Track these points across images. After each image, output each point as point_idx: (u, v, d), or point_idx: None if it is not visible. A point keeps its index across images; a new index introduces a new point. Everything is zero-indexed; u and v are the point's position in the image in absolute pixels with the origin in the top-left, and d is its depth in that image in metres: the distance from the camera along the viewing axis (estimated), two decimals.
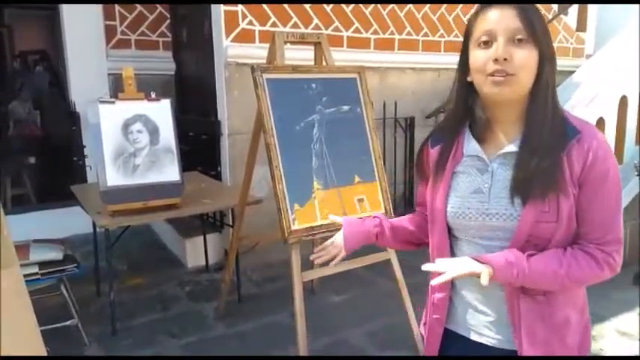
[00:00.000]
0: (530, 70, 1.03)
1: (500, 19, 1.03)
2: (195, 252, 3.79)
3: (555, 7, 5.34)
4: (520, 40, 1.02)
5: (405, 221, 1.37)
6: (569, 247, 1.07)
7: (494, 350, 1.15)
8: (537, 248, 1.06)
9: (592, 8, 5.55)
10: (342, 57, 3.54)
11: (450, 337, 1.22)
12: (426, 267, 1.08)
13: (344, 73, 2.57)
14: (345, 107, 2.51)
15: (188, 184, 2.92)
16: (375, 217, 1.36)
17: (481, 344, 1.17)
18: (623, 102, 3.81)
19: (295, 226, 2.24)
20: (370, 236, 1.32)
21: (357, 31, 4.18)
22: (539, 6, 1.10)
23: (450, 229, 1.18)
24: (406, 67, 4.48)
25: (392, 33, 4.37)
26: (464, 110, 1.14)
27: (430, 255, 1.23)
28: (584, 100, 3.56)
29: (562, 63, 5.40)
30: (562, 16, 5.37)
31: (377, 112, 4.03)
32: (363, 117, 2.55)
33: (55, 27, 4.57)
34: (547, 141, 1.03)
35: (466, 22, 1.13)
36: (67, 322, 2.63)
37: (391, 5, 4.32)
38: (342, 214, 2.36)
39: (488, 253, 1.08)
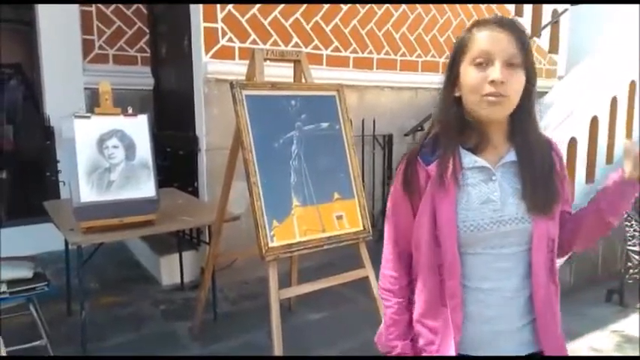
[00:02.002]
0: (519, 92, 1.11)
1: (497, 42, 1.08)
2: (171, 270, 3.72)
3: (528, 29, 5.50)
4: (512, 64, 1.08)
5: (406, 308, 1.27)
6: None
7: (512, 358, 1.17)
8: (552, 250, 1.16)
9: (564, 30, 5.72)
10: (321, 75, 3.56)
11: None
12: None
13: (323, 91, 2.58)
14: (324, 124, 2.52)
15: (164, 201, 2.88)
16: (396, 337, 1.25)
17: (492, 357, 1.16)
18: (595, 122, 3.91)
19: (274, 243, 2.22)
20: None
21: (336, 49, 4.23)
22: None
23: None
24: (384, 85, 4.54)
25: (370, 52, 4.43)
26: (456, 125, 1.16)
27: (435, 275, 1.17)
28: (556, 120, 3.64)
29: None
30: (535, 38, 5.52)
31: (355, 129, 4.05)
32: (342, 134, 2.56)
33: (32, 40, 4.51)
34: (540, 152, 1.16)
35: (458, 38, 1.15)
36: (36, 343, 2.54)
37: (370, 25, 4.38)
38: (320, 230, 2.36)
39: (499, 261, 1.14)
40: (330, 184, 2.45)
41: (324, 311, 3.26)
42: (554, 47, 5.75)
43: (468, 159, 1.15)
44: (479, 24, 1.12)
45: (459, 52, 1.13)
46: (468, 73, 1.10)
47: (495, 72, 1.07)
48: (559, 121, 3.67)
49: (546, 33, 5.65)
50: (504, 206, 1.13)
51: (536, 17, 5.53)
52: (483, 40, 1.09)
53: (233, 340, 2.94)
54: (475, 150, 1.16)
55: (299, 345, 2.75)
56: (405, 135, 4.70)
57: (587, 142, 3.89)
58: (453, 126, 1.16)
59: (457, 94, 1.14)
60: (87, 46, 4.48)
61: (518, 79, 1.09)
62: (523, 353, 1.17)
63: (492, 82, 1.07)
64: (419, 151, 1.20)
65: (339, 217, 2.43)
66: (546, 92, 4.28)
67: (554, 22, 5.56)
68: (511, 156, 1.16)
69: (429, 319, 1.19)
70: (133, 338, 2.96)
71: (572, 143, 3.77)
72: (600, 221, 1.17)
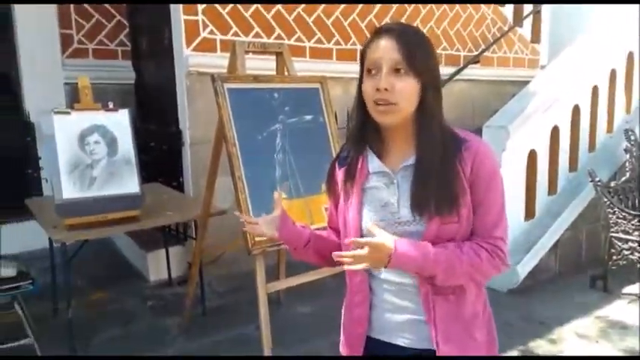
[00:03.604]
0: (409, 99, 1.12)
1: (384, 50, 1.12)
2: (158, 265, 3.71)
3: (510, 19, 5.53)
4: (398, 70, 1.11)
5: (331, 236, 1.40)
6: (466, 242, 1.16)
7: (409, 350, 1.21)
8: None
9: (545, 21, 5.77)
10: (304, 67, 3.55)
11: (369, 344, 1.27)
12: (336, 254, 1.12)
13: (306, 83, 2.58)
14: (308, 117, 2.51)
15: (149, 196, 2.86)
16: (306, 226, 1.41)
17: (397, 346, 1.23)
18: (576, 111, 3.96)
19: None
20: (299, 241, 1.35)
21: (319, 41, 4.21)
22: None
23: None
24: None
25: (354, 43, 4.42)
26: (364, 131, 1.22)
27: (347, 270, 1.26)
28: (539, 109, 3.67)
29: (518, 73, 5.61)
30: (517, 28, 5.56)
31: (341, 121, 4.04)
32: (326, 126, 2.56)
33: (8, 35, 4.41)
34: (439, 155, 1.13)
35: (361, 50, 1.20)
36: (23, 341, 2.52)
37: (352, 16, 4.37)
38: (309, 223, 2.35)
39: None
40: (318, 176, 2.43)
41: (313, 304, 3.27)
42: (536, 37, 5.80)
43: (375, 163, 1.22)
44: (373, 34, 1.16)
45: (360, 63, 1.20)
46: (364, 83, 1.16)
47: (380, 80, 1.11)
48: (542, 110, 3.70)
49: (528, 23, 5.69)
50: (400, 209, 1.17)
51: (519, 7, 5.57)
52: (374, 48, 1.14)
53: (222, 333, 2.94)
54: (381, 154, 1.21)
55: (288, 338, 2.76)
56: None
57: (569, 130, 3.94)
58: (358, 132, 1.23)
59: None
60: (66, 41, 4.41)
61: (405, 86, 1.11)
62: (421, 347, 1.20)
63: (378, 89, 1.11)
64: (338, 155, 1.31)
65: (328, 209, 2.43)
66: (529, 81, 4.31)
67: (536, 12, 5.60)
68: (411, 160, 1.17)
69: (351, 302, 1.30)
70: (122, 335, 2.94)
71: (555, 131, 3.82)
72: None
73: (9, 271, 2.47)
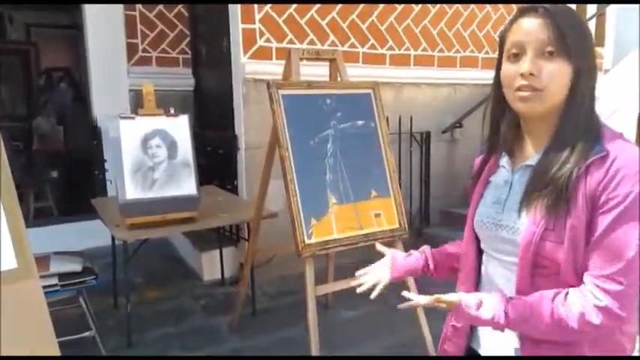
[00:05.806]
0: (559, 85, 0.98)
1: (529, 30, 0.99)
2: (212, 265, 3.82)
3: None
4: (550, 53, 0.97)
5: (450, 248, 1.35)
6: (564, 290, 0.98)
7: None
8: (547, 272, 1.00)
9: (610, 23, 5.52)
10: (357, 73, 3.58)
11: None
12: (405, 293, 1.13)
13: (358, 89, 2.60)
14: (360, 122, 2.53)
15: (205, 198, 2.96)
16: (420, 250, 1.37)
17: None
18: None
19: (311, 240, 2.25)
20: (416, 269, 1.34)
21: (372, 47, 4.23)
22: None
23: (477, 240, 1.19)
24: (422, 82, 4.50)
25: (407, 49, 4.40)
26: (498, 124, 1.13)
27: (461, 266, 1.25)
28: (602, 115, 3.52)
29: None
30: None
31: (392, 126, 4.04)
32: (378, 132, 2.57)
33: (79, 45, 4.71)
34: (566, 157, 0.98)
35: (500, 34, 1.10)
36: (85, 334, 2.66)
37: (407, 22, 4.35)
38: (358, 228, 2.38)
39: (502, 267, 1.10)
40: (368, 182, 2.46)
41: (360, 309, 3.27)
42: (599, 40, 5.55)
43: (504, 157, 1.15)
44: (516, 14, 1.04)
45: (500, 47, 1.08)
46: (504, 69, 1.04)
47: (524, 63, 0.98)
48: (605, 116, 3.55)
49: (591, 25, 5.46)
50: (505, 210, 1.07)
51: (581, 8, 5.36)
52: (517, 30, 1.01)
53: (271, 334, 2.99)
54: (510, 149, 1.13)
55: (335, 341, 2.78)
56: (443, 132, 4.65)
57: (635, 139, 3.75)
58: (496, 125, 1.14)
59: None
60: (131, 49, 4.63)
61: (555, 70, 0.97)
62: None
63: (522, 75, 0.98)
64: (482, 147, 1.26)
65: (377, 215, 2.44)
66: None
67: (600, 14, 5.37)
68: (534, 159, 1.05)
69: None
70: (175, 331, 3.06)
71: None
72: None
73: (75, 267, 2.61)
